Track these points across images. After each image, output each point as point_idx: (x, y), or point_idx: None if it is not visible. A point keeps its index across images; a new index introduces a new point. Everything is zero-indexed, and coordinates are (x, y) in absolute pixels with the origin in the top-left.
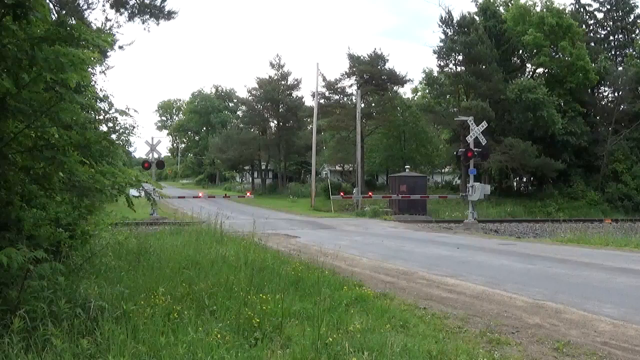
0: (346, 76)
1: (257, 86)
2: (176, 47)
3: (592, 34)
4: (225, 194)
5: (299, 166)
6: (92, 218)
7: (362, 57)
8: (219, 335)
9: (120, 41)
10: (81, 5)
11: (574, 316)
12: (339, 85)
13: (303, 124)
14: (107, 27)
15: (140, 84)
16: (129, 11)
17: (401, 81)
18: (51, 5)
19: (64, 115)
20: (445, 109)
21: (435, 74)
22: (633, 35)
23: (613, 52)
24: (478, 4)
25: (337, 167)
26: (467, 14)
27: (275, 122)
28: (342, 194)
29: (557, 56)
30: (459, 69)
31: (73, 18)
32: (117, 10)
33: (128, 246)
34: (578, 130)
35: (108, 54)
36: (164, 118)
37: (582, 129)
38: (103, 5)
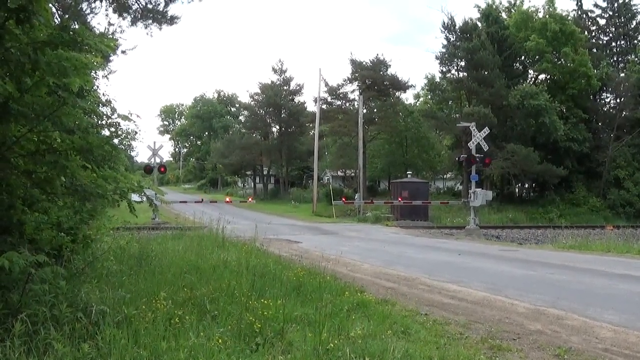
0: (348, 82)
1: (259, 91)
2: (179, 51)
3: (594, 40)
4: (227, 199)
5: (300, 171)
6: (94, 222)
7: (364, 63)
8: (220, 340)
9: (122, 46)
10: (84, 9)
11: (575, 322)
12: (341, 90)
13: (305, 130)
14: (110, 32)
15: (142, 88)
16: (132, 16)
17: (403, 87)
18: (54, 10)
19: (67, 120)
20: (447, 115)
21: (438, 79)
22: (635, 42)
23: (615, 59)
24: (480, 10)
25: (339, 173)
26: (469, 20)
27: (278, 127)
28: (344, 199)
29: (560, 62)
30: (461, 74)
31: (76, 22)
32: (120, 15)
33: (130, 251)
34: (580, 137)
35: (111, 58)
36: (166, 122)
37: (584, 135)
38: (106, 10)
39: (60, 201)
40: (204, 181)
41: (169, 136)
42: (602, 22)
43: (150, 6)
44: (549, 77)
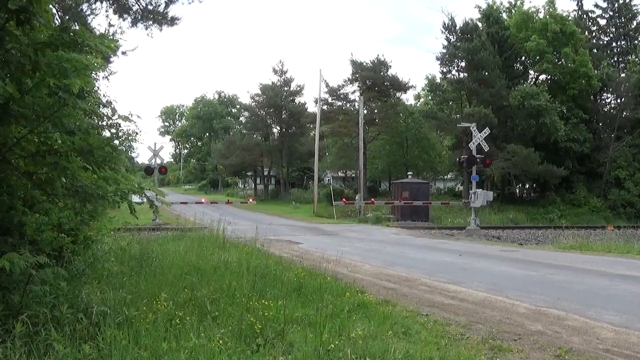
0: (349, 82)
1: (259, 92)
2: (179, 52)
3: (595, 41)
4: (228, 200)
5: (301, 172)
6: (94, 223)
7: (364, 64)
8: (221, 341)
9: (123, 47)
10: (84, 10)
11: (576, 323)
12: (341, 91)
13: (306, 130)
14: (111, 33)
15: (143, 89)
16: (132, 17)
17: (404, 87)
18: (55, 11)
19: (67, 121)
20: (447, 116)
21: (438, 80)
22: (636, 42)
23: (616, 59)
24: (481, 10)
25: (340, 174)
26: (470, 21)
27: (278, 128)
28: (344, 200)
29: (560, 63)
30: (461, 75)
31: (76, 23)
32: (121, 16)
33: (130, 252)
34: (581, 137)
35: (111, 59)
36: (166, 123)
37: (585, 135)
38: (106, 11)
39: (60, 202)
40: (204, 182)
41: (169, 137)
42: (602, 22)
43: (150, 7)
44: (549, 77)
